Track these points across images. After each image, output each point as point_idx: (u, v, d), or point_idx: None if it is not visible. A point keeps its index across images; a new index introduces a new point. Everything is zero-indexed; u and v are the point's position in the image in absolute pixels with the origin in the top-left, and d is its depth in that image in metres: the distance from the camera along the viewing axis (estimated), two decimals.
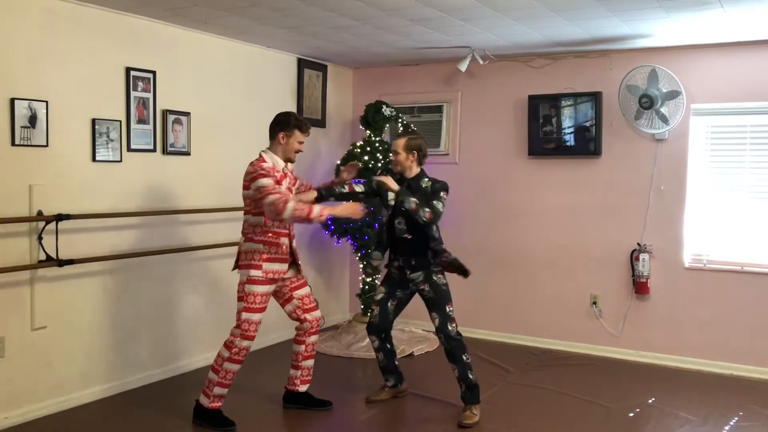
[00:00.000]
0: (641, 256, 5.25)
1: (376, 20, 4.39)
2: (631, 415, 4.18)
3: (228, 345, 3.81)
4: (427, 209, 3.88)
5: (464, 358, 4.03)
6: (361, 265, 5.78)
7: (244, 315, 3.77)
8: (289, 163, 3.92)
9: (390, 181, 3.95)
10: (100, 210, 4.22)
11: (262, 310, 3.80)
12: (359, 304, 5.87)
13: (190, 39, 4.79)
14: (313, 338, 4.12)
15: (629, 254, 5.34)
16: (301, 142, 3.88)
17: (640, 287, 5.28)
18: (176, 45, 4.70)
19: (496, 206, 5.82)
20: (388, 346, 4.29)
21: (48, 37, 3.91)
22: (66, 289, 4.07)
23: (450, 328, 3.99)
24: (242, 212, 3.87)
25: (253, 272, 3.76)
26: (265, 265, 3.77)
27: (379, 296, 4.24)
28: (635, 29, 4.55)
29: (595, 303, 5.48)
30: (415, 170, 4.08)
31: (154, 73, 4.53)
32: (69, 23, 4.02)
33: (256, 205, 3.73)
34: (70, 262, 3.98)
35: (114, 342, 4.37)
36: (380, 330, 4.23)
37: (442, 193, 3.99)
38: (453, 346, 4.01)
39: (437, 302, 4.03)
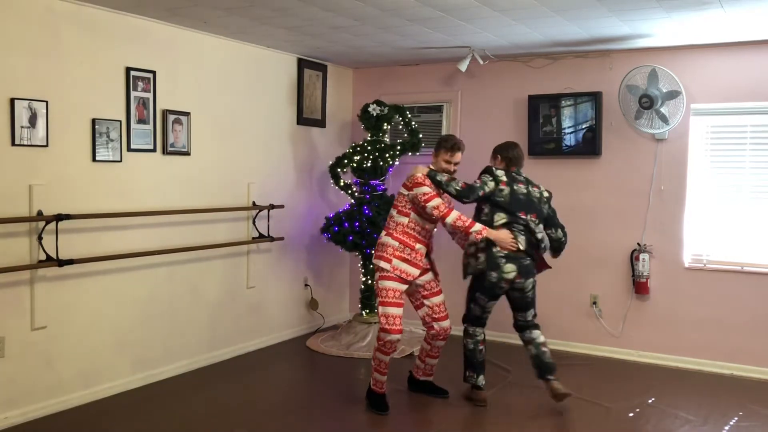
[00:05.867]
0: (641, 256, 5.25)
1: (376, 20, 4.39)
2: (631, 415, 4.18)
3: (377, 337, 4.09)
4: (458, 181, 4.15)
5: (463, 336, 4.33)
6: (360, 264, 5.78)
7: (380, 309, 4.08)
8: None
9: (420, 170, 4.17)
10: (100, 210, 4.22)
11: (396, 304, 4.06)
12: (359, 303, 5.86)
13: (190, 39, 4.79)
14: (440, 343, 4.35)
15: (629, 254, 5.34)
16: (448, 161, 4.17)
17: (640, 287, 5.28)
18: (176, 45, 4.70)
19: None
20: (520, 334, 4.42)
21: (48, 37, 3.91)
22: (66, 289, 4.07)
23: (465, 311, 4.34)
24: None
25: (383, 264, 4.08)
26: (395, 261, 4.08)
27: None
28: (635, 29, 4.55)
29: (595, 303, 5.48)
30: None
31: (154, 73, 4.53)
32: (69, 23, 4.02)
33: (411, 206, 4.11)
34: (70, 262, 3.98)
35: (114, 342, 4.37)
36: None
37: (482, 175, 4.21)
38: None
39: None
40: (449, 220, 3.99)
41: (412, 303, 4.33)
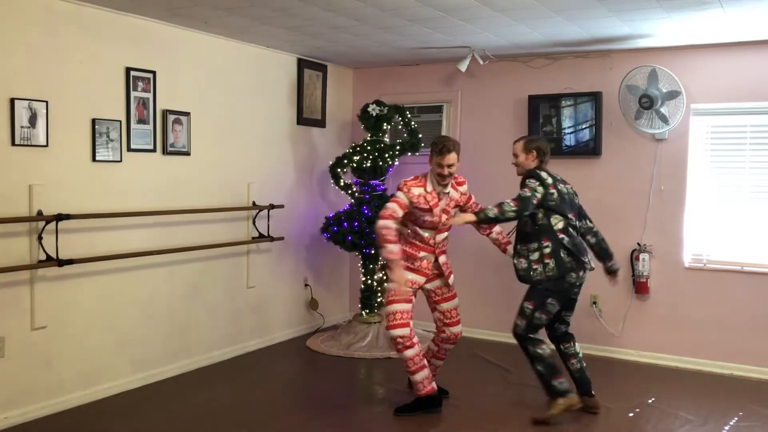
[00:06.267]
0: (641, 256, 5.25)
1: (376, 20, 4.39)
2: (631, 415, 4.18)
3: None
4: (508, 200, 3.90)
5: (530, 349, 4.02)
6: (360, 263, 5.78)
7: (384, 309, 4.14)
8: (450, 185, 4.08)
9: (463, 218, 4.00)
10: (100, 210, 4.22)
11: (397, 301, 4.04)
12: (359, 303, 5.86)
13: (190, 39, 4.79)
14: (449, 346, 4.31)
15: (629, 254, 5.33)
16: (439, 164, 3.96)
17: (640, 287, 5.28)
18: (176, 45, 4.70)
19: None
20: (555, 344, 4.27)
21: (48, 37, 3.91)
22: (66, 289, 4.07)
23: (516, 323, 4.05)
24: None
25: (389, 273, 4.07)
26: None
27: None
28: (635, 29, 4.55)
29: (595, 303, 5.48)
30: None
31: (154, 73, 4.53)
32: (69, 23, 4.02)
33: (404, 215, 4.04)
34: (70, 262, 3.98)
35: (114, 342, 4.37)
36: (546, 326, 4.22)
37: (528, 181, 3.98)
38: (516, 339, 4.08)
39: (526, 292, 4.10)
40: (378, 223, 3.90)
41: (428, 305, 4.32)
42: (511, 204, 3.87)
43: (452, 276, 4.23)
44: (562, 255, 3.91)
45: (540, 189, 3.92)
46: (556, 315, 4.15)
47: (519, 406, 4.32)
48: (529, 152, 4.09)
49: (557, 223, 3.93)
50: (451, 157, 3.97)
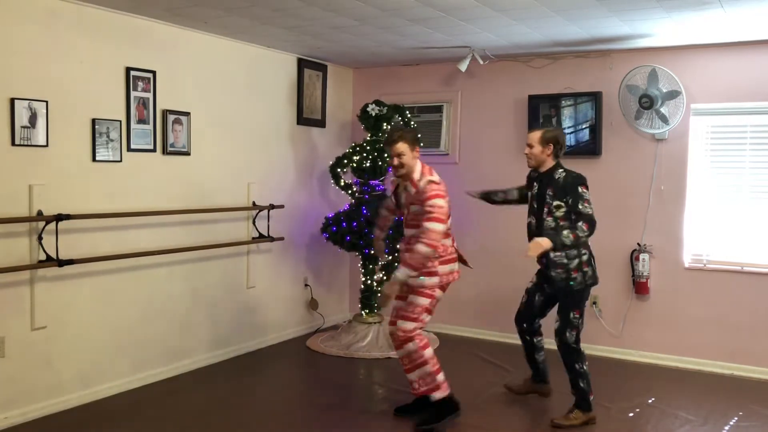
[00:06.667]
0: (641, 256, 5.25)
1: (376, 20, 4.39)
2: (631, 415, 4.18)
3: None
4: (579, 224, 3.73)
5: (576, 367, 3.96)
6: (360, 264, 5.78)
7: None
8: (411, 181, 3.87)
9: (539, 248, 3.69)
10: (100, 210, 4.22)
11: (399, 298, 3.99)
12: (359, 303, 5.86)
13: (190, 39, 4.79)
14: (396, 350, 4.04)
15: (629, 254, 5.34)
16: (391, 156, 3.85)
17: (640, 287, 5.28)
18: (176, 45, 4.70)
19: (496, 206, 5.81)
20: (528, 337, 4.27)
21: (48, 37, 3.91)
22: (66, 289, 4.07)
23: (567, 335, 3.92)
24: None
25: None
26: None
27: (529, 285, 4.23)
28: (635, 29, 4.55)
29: (595, 303, 5.48)
30: (550, 163, 3.92)
31: (154, 73, 4.53)
32: (69, 23, 4.02)
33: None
34: (70, 262, 3.98)
35: (114, 342, 4.37)
36: (521, 319, 4.25)
37: (580, 189, 3.78)
38: (564, 353, 3.98)
39: (562, 305, 3.99)
40: None
41: None
42: (584, 227, 3.73)
43: (419, 279, 3.84)
44: (593, 263, 3.94)
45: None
46: (541, 310, 4.21)
47: (519, 406, 4.32)
48: (546, 144, 3.88)
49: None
50: (398, 147, 3.78)
